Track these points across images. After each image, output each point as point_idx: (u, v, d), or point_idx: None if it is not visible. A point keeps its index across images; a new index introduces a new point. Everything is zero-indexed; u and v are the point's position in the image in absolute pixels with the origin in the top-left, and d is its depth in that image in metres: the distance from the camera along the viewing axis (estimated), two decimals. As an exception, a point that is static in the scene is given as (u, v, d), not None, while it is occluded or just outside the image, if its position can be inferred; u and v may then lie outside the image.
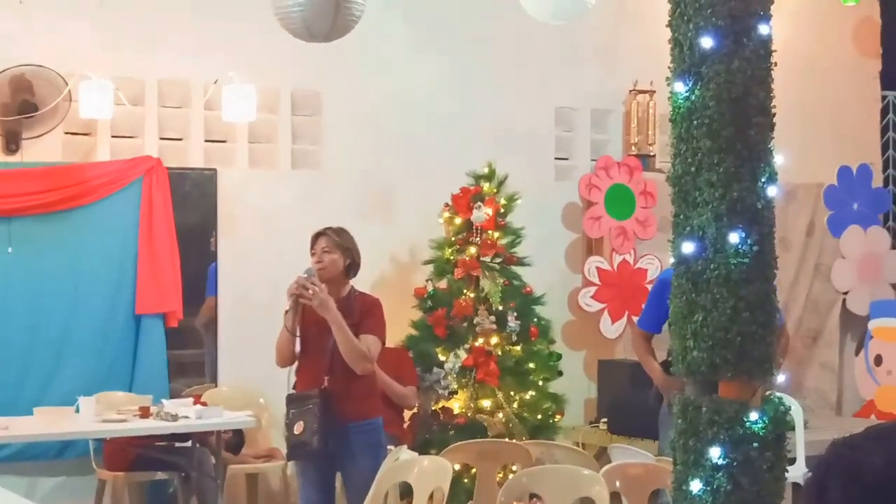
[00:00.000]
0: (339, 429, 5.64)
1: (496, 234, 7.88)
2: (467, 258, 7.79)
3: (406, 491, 5.72)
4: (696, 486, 3.20)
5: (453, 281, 7.83)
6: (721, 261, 3.18)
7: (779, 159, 3.27)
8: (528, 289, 7.97)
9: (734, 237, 3.16)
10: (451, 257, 7.85)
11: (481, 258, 7.80)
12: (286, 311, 5.77)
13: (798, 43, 9.26)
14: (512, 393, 7.74)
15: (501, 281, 7.81)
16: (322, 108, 8.24)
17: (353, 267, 5.94)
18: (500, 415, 7.62)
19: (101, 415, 6.55)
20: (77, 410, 6.63)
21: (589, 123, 9.17)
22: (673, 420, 3.35)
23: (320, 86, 8.21)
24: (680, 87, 3.31)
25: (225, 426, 6.84)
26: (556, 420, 7.93)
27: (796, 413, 7.66)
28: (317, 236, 5.94)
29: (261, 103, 7.80)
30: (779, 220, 9.29)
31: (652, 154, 9.18)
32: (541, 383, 7.88)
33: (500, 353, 7.70)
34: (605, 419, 8.38)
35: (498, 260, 7.87)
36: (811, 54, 9.64)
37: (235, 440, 7.45)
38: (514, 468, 5.86)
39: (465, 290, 7.79)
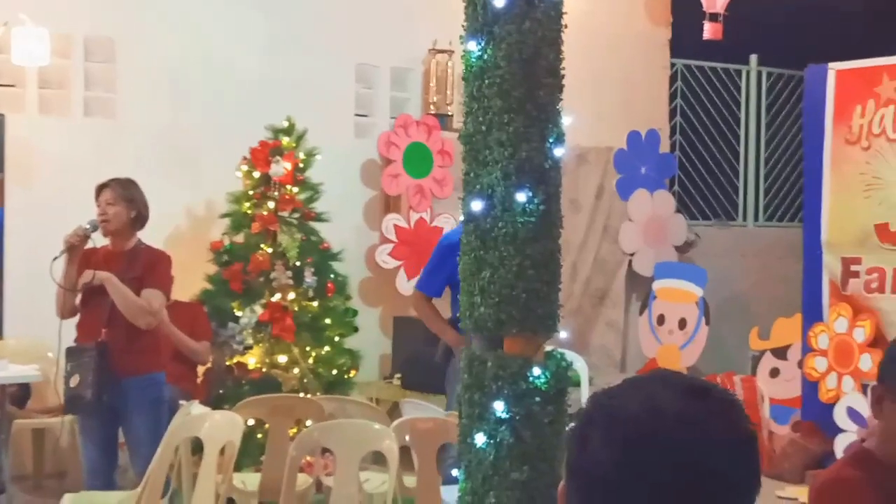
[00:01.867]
0: (118, 383, 5.57)
1: (294, 190, 7.84)
2: (265, 213, 7.73)
3: (197, 447, 5.67)
4: (480, 439, 3.28)
5: (250, 235, 7.77)
6: (508, 219, 3.25)
7: (566, 121, 3.34)
8: (325, 245, 7.97)
9: (521, 196, 3.23)
10: (249, 211, 7.78)
11: (279, 213, 7.76)
12: (55, 259, 5.64)
13: (591, 10, 9.48)
14: (308, 348, 7.73)
15: (299, 236, 7.79)
16: (116, 55, 8.04)
17: (139, 219, 5.85)
18: (296, 370, 7.61)
19: None
20: None
21: (389, 81, 9.20)
22: (461, 375, 3.41)
23: (115, 33, 8.01)
24: (472, 47, 3.35)
25: (10, 380, 6.65)
26: (350, 375, 7.97)
27: (581, 369, 7.90)
28: (101, 188, 5.83)
29: (53, 48, 7.56)
30: (570, 182, 9.57)
31: (450, 114, 9.27)
32: (336, 339, 7.90)
33: (296, 308, 7.68)
34: (399, 375, 8.47)
35: (296, 215, 7.84)
36: (604, 22, 9.88)
37: (21, 394, 7.25)
38: (307, 423, 5.87)
39: (262, 245, 7.73)
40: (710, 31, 6.22)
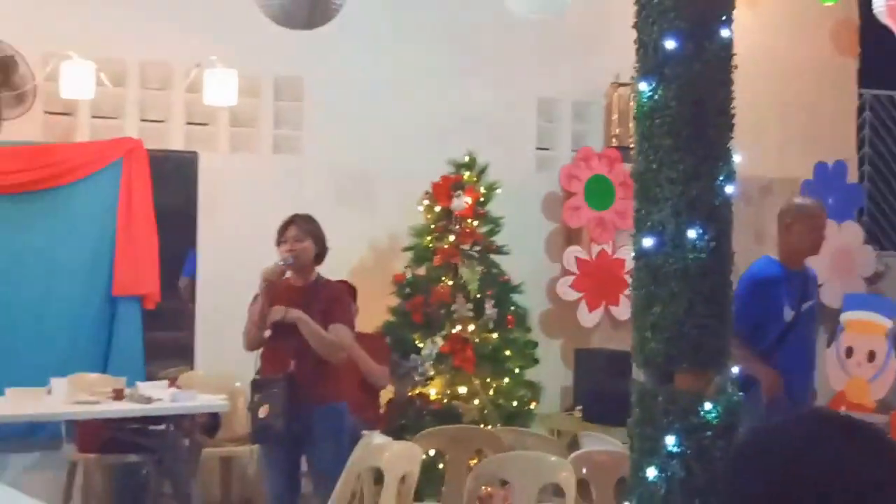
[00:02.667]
0: (304, 413, 5.73)
1: (475, 223, 7.94)
2: (446, 246, 7.85)
3: (378, 476, 5.80)
4: (651, 472, 3.29)
5: (432, 268, 7.90)
6: (679, 255, 3.26)
7: (737, 158, 3.34)
8: (505, 277, 8.03)
9: (692, 233, 3.24)
10: (431, 245, 7.91)
11: (460, 246, 7.86)
12: (255, 296, 5.84)
13: (777, 42, 9.35)
14: (488, 380, 7.80)
15: (480, 269, 7.88)
16: (304, 93, 8.30)
17: (322, 254, 6.03)
18: (476, 401, 7.69)
19: (73, 396, 6.58)
20: (49, 392, 6.66)
21: (570, 115, 9.23)
22: (632, 409, 3.42)
23: (302, 71, 8.27)
24: (644, 87, 3.39)
25: (198, 410, 6.90)
26: (531, 407, 8.00)
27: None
28: (286, 225, 6.01)
29: (243, 87, 7.84)
30: (754, 213, 9.41)
31: (632, 146, 9.20)
32: (517, 371, 7.95)
33: (476, 340, 7.77)
34: (580, 407, 8.46)
35: (476, 248, 7.93)
36: (789, 53, 9.71)
37: (211, 424, 7.51)
38: (486, 455, 5.94)
39: (443, 278, 7.85)
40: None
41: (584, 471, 5.14)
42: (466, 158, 8.04)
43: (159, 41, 7.79)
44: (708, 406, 3.24)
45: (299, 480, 6.00)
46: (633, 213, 3.43)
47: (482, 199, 8.02)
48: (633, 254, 3.44)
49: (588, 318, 8.95)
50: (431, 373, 7.72)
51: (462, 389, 7.71)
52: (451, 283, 7.84)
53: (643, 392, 3.36)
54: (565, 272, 8.94)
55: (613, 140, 9.26)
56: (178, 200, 8.05)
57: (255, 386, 5.89)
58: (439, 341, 7.75)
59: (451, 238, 7.88)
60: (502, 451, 5.75)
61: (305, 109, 8.31)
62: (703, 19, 3.29)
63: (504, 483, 5.73)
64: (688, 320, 3.24)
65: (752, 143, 9.71)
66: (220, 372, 7.75)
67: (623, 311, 9.07)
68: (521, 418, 7.84)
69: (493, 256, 8.03)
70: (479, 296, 7.84)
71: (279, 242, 6.01)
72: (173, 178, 8.02)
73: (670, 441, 3.25)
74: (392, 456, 5.30)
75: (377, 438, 5.77)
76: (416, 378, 7.72)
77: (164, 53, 7.82)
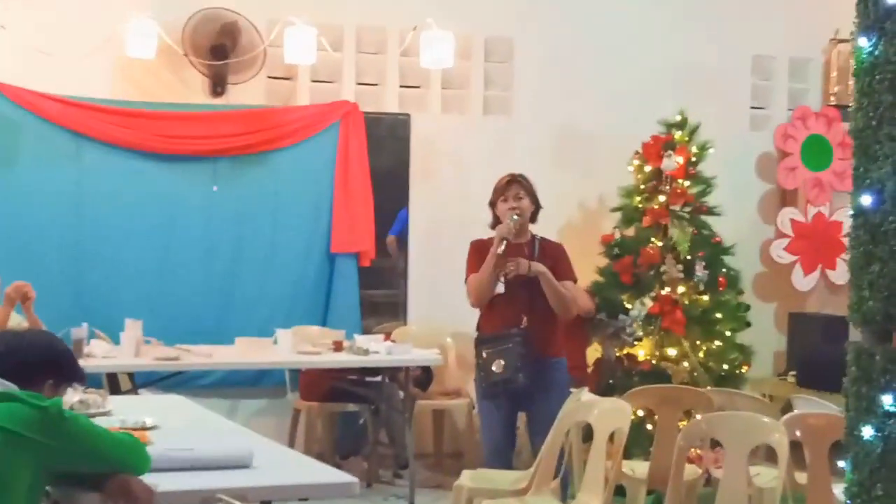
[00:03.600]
0: (537, 365, 5.83)
1: (686, 183, 7.87)
2: (656, 207, 7.81)
3: (587, 433, 5.85)
4: (867, 431, 3.24)
5: (641, 229, 7.87)
6: (900, 213, 3.19)
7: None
8: (717, 238, 7.95)
9: (915, 190, 3.17)
10: (640, 205, 7.89)
11: (670, 207, 7.81)
12: (495, 253, 5.91)
13: None
14: (698, 342, 7.74)
15: (690, 230, 7.81)
16: (514, 54, 8.36)
17: (536, 212, 6.10)
18: (685, 363, 7.64)
19: (297, 347, 6.85)
20: (275, 342, 6.95)
21: (787, 72, 9.03)
22: (847, 368, 3.38)
23: (512, 32, 8.33)
24: (863, 42, 3.31)
25: (413, 363, 7.08)
26: (742, 371, 7.91)
27: None
28: (507, 183, 6.08)
29: (454, 49, 7.94)
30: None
31: (851, 105, 8.94)
32: (728, 333, 7.86)
33: (686, 302, 7.71)
34: (793, 372, 8.33)
35: (687, 209, 7.86)
36: None
37: (424, 378, 7.71)
38: (696, 415, 5.93)
39: (652, 239, 7.81)
40: None
41: (797, 433, 5.07)
42: (678, 118, 7.96)
43: (375, 5, 7.98)
44: (927, 366, 3.18)
45: (515, 434, 6.11)
46: (852, 171, 3.35)
47: (693, 160, 7.94)
48: (850, 212, 3.36)
49: (803, 281, 8.79)
50: (640, 333, 7.71)
51: (671, 351, 7.67)
52: (660, 244, 7.79)
53: (860, 351, 3.31)
54: (780, 234, 8.79)
55: (832, 98, 9.04)
56: (391, 161, 8.25)
57: (484, 341, 6.00)
58: (648, 302, 7.73)
59: (661, 198, 7.83)
60: (712, 412, 5.72)
61: (515, 70, 8.38)
62: (928, -29, 3.19)
63: (714, 445, 5.71)
64: (908, 279, 3.18)
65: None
66: (431, 327, 7.93)
67: (840, 274, 8.86)
68: (731, 382, 7.75)
69: (705, 217, 7.95)
70: (689, 257, 7.77)
71: (495, 202, 6.10)
72: (387, 140, 8.22)
73: (888, 400, 3.20)
74: (602, 413, 5.33)
75: (585, 395, 5.82)
76: (625, 339, 7.73)
77: (378, 18, 8.00)
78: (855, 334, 3.43)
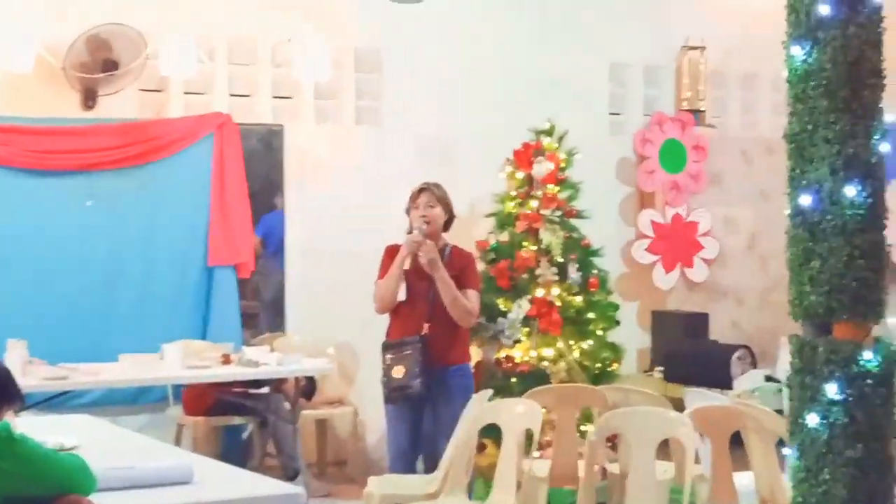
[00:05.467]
0: (437, 372, 5.92)
1: (556, 189, 8.08)
2: (529, 212, 8.00)
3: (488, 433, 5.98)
4: (812, 420, 3.45)
5: (515, 234, 8.05)
6: (837, 212, 3.41)
7: (889, 118, 3.48)
8: (586, 241, 8.18)
9: (850, 190, 3.39)
10: (513, 211, 8.06)
11: (542, 211, 8.01)
12: (396, 265, 6.01)
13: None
14: (572, 342, 7.96)
15: (562, 234, 8.02)
16: (383, 65, 8.45)
17: (450, 221, 6.21)
18: (562, 363, 7.84)
19: (185, 361, 6.79)
20: (161, 357, 6.87)
21: (642, 79, 9.35)
22: (791, 360, 3.58)
23: (381, 43, 8.42)
24: (797, 51, 3.52)
25: (304, 372, 7.12)
26: (613, 369, 8.15)
27: None
28: (419, 191, 6.18)
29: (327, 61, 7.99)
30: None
31: (702, 109, 9.37)
32: (600, 333, 8.10)
33: (561, 303, 7.92)
34: (660, 368, 8.63)
35: (558, 213, 8.08)
36: None
37: (308, 387, 7.72)
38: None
39: (525, 243, 8.00)
40: None
41: (699, 426, 5.29)
42: (547, 125, 8.17)
43: (246, 16, 7.96)
44: (868, 355, 3.40)
45: (421, 438, 6.19)
46: (788, 173, 3.56)
47: (562, 165, 8.15)
48: (787, 211, 3.57)
49: (664, 280, 9.12)
50: (519, 336, 7.88)
51: (548, 351, 7.87)
52: (534, 248, 7.98)
53: (802, 343, 3.52)
54: (641, 235, 9.09)
55: (684, 104, 9.38)
56: (265, 172, 8.25)
57: (387, 347, 6.08)
58: (525, 305, 7.91)
59: (533, 204, 8.03)
60: (607, 409, 5.92)
61: (385, 81, 8.46)
62: (856, -17, 3.42)
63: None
64: (848, 273, 3.40)
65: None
66: (313, 337, 7.96)
67: (698, 273, 9.24)
68: (604, 379, 7.96)
69: (574, 221, 8.17)
70: (562, 260, 7.98)
71: (410, 210, 6.19)
72: (261, 151, 8.22)
73: (832, 389, 3.41)
74: (512, 414, 5.47)
75: (488, 396, 5.94)
76: (504, 341, 7.88)
77: (250, 29, 7.99)
78: (796, 325, 3.62)
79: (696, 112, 9.34)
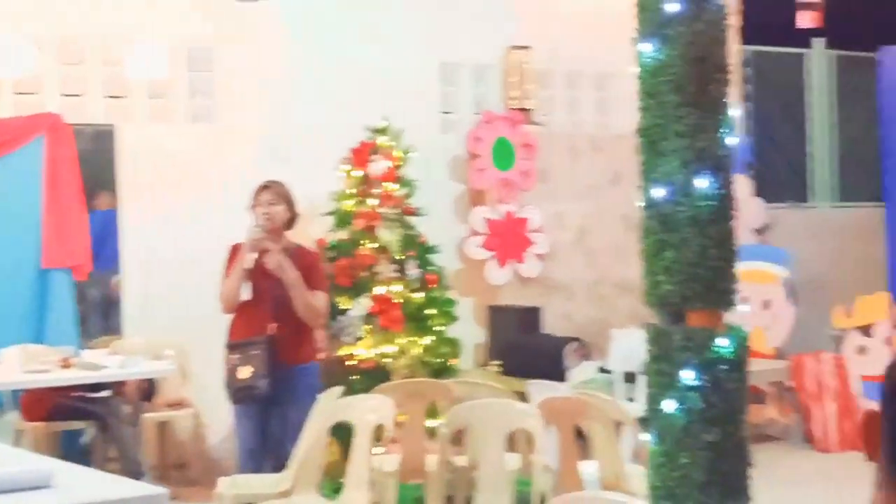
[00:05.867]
0: (284, 372, 5.91)
1: (393, 186, 8.16)
2: (367, 210, 8.05)
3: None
4: (669, 405, 3.59)
5: (354, 232, 8.09)
6: (689, 203, 3.56)
7: (734, 112, 3.65)
8: (423, 238, 8.28)
9: (701, 182, 3.55)
10: (352, 209, 8.10)
11: (380, 209, 8.07)
12: (237, 265, 5.97)
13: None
14: (413, 338, 8.05)
15: (400, 231, 8.10)
16: (214, 63, 8.38)
17: (294, 219, 6.19)
18: (403, 359, 7.92)
19: (24, 366, 6.62)
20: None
21: (470, 78, 9.50)
22: (646, 349, 3.71)
23: (213, 42, 8.35)
24: (647, 48, 3.65)
25: (146, 375, 7.01)
26: (453, 363, 8.27)
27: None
28: (261, 189, 6.15)
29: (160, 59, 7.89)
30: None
31: (530, 108, 9.56)
32: (439, 328, 8.22)
33: (401, 300, 7.99)
34: (497, 362, 8.77)
35: (395, 211, 8.15)
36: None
37: (148, 390, 7.61)
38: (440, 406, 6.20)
39: (363, 241, 8.05)
40: (807, 19, 6.50)
41: (548, 415, 5.42)
42: (383, 123, 8.24)
43: (77, 15, 7.80)
44: (721, 341, 3.56)
45: (270, 437, 6.16)
46: (641, 167, 3.69)
47: (399, 163, 8.23)
48: (641, 203, 3.70)
49: (497, 275, 9.27)
50: (360, 333, 7.92)
51: (389, 348, 7.94)
52: (373, 245, 8.04)
53: (658, 332, 3.66)
54: (474, 232, 9.22)
55: (513, 102, 9.55)
56: (99, 172, 8.10)
57: (232, 347, 6.03)
58: (365, 302, 7.96)
59: (372, 202, 8.08)
60: (454, 403, 6.01)
61: (219, 79, 8.39)
62: (702, -18, 3.57)
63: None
64: (701, 263, 3.55)
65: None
66: (150, 339, 7.82)
67: (529, 268, 9.43)
68: (445, 374, 8.10)
69: (410, 218, 8.26)
70: (400, 257, 8.07)
71: (252, 208, 6.15)
72: (94, 151, 8.06)
73: (688, 375, 3.56)
74: (364, 409, 5.51)
75: (338, 393, 5.97)
76: (345, 338, 7.92)
77: (81, 28, 7.83)
78: (651, 314, 3.75)
79: (525, 111, 9.52)
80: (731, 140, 3.62)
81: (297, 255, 6.18)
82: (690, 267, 3.55)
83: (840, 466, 8.45)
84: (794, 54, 11.15)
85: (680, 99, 3.57)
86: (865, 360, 9.38)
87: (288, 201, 6.19)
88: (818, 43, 11.10)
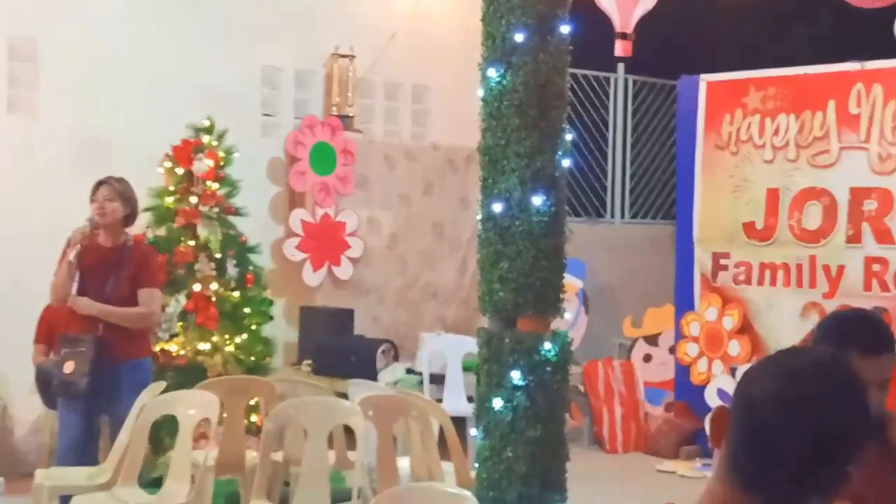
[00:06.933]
0: (111, 368, 5.97)
1: (215, 186, 8.27)
2: (188, 208, 8.14)
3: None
4: (497, 403, 3.88)
5: (173, 229, 8.16)
6: (525, 218, 3.86)
7: (568, 136, 3.96)
8: (243, 238, 8.41)
9: (537, 199, 3.85)
10: (172, 206, 8.17)
11: (201, 208, 8.17)
12: (67, 259, 5.99)
13: (468, 23, 10.13)
14: (228, 336, 8.17)
15: (220, 230, 8.21)
16: (38, 54, 8.32)
17: (132, 216, 6.26)
18: (218, 357, 8.04)
19: None
20: None
21: (293, 83, 9.67)
22: (478, 351, 3.99)
23: (37, 32, 8.29)
24: (492, 73, 3.94)
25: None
26: (266, 362, 8.43)
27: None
28: (98, 185, 6.19)
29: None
30: (460, 181, 10.04)
31: (351, 115, 9.79)
32: (254, 327, 8.36)
33: (218, 298, 8.11)
34: (308, 361, 8.95)
35: (216, 210, 8.26)
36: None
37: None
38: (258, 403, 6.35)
39: (183, 238, 8.13)
40: (620, 48, 6.91)
41: (370, 413, 5.65)
42: (207, 122, 8.33)
43: None
44: (547, 345, 3.86)
45: (97, 433, 6.21)
46: (481, 182, 3.96)
47: (221, 163, 8.35)
48: (479, 216, 3.97)
49: (312, 277, 9.46)
50: (176, 330, 8.00)
51: (205, 345, 8.04)
52: (192, 243, 8.13)
53: (490, 335, 3.94)
54: (291, 234, 9.39)
55: (333, 109, 9.76)
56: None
57: (64, 341, 6.05)
58: (183, 299, 8.05)
59: (193, 200, 8.17)
60: (276, 400, 6.19)
61: (41, 71, 8.33)
62: (545, 16, 3.88)
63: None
64: (533, 273, 3.85)
65: (461, 116, 10.51)
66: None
67: (344, 270, 9.64)
68: (258, 372, 8.23)
69: (231, 218, 8.38)
70: (220, 256, 8.18)
71: (91, 202, 6.19)
72: None
73: (516, 376, 3.85)
74: (188, 404, 5.63)
75: (161, 388, 6.06)
76: (161, 335, 7.97)
77: None
78: (484, 319, 4.02)
79: (345, 117, 9.74)
80: (566, 162, 3.93)
81: (134, 251, 6.24)
82: (523, 277, 3.85)
83: (626, 466, 8.97)
84: (601, 78, 11.69)
85: (521, 122, 3.86)
86: (651, 368, 9.96)
87: (125, 198, 6.25)
88: (620, 68, 11.66)
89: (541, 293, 3.87)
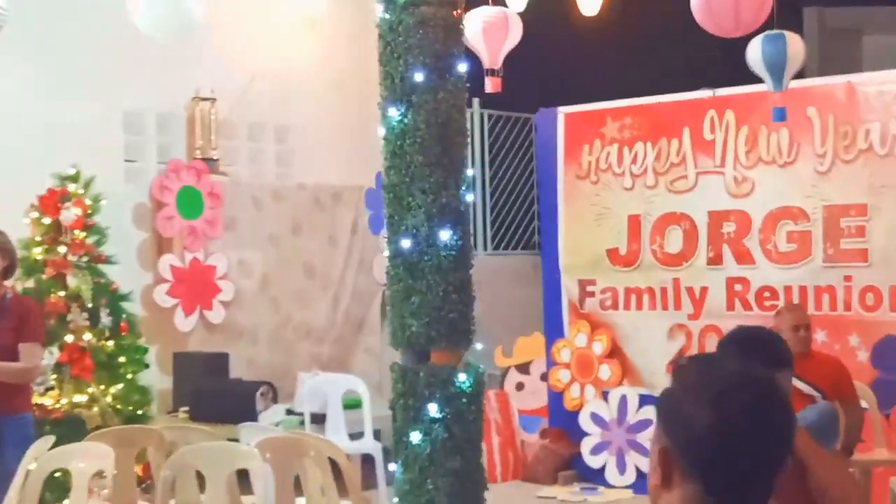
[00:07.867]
0: None
1: (83, 234, 8.15)
2: (57, 258, 8.01)
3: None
4: (416, 437, 3.94)
5: (42, 280, 8.01)
6: (433, 253, 3.94)
7: (470, 172, 4.07)
8: (115, 286, 8.30)
9: (444, 234, 3.94)
10: (40, 257, 8.03)
11: (70, 257, 8.04)
12: None
13: (338, 61, 10.22)
14: (104, 387, 8.04)
15: (91, 279, 8.10)
16: None
17: (10, 268, 6.13)
18: (96, 408, 7.90)
19: None
20: None
21: (155, 127, 9.60)
22: (393, 386, 4.05)
23: None
24: (393, 112, 4.02)
25: None
26: (144, 411, 8.31)
27: (364, 392, 8.56)
28: None
29: None
30: (327, 219, 10.15)
31: (216, 158, 9.76)
32: (130, 376, 8.25)
33: (92, 348, 7.98)
34: (184, 408, 8.86)
35: (86, 259, 8.14)
36: (350, 70, 10.59)
37: None
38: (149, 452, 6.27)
39: (53, 289, 7.99)
40: (490, 85, 7.06)
41: (267, 455, 5.65)
42: (72, 171, 8.22)
43: None
44: (462, 377, 3.95)
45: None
46: (387, 220, 4.04)
47: (89, 211, 8.23)
48: (387, 253, 4.04)
49: (184, 322, 9.37)
50: (51, 383, 7.85)
51: (81, 397, 7.90)
52: (63, 293, 8.00)
53: (404, 370, 4.01)
54: (160, 280, 9.30)
55: (197, 152, 9.72)
56: None
57: None
58: (56, 352, 7.90)
59: (62, 249, 8.04)
60: (164, 449, 6.13)
61: None
62: (442, 55, 3.98)
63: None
64: (444, 306, 3.93)
65: (325, 155, 10.58)
66: None
67: (216, 314, 9.59)
68: (137, 422, 8.11)
69: (101, 266, 8.27)
70: (92, 305, 8.06)
71: None
72: None
73: (433, 409, 3.92)
74: (82, 457, 5.54)
75: (50, 443, 5.95)
76: (35, 389, 7.80)
77: None
78: (396, 354, 4.09)
79: (210, 160, 9.71)
80: (469, 196, 4.03)
81: (12, 304, 6.12)
82: (435, 311, 3.93)
83: (507, 494, 9.08)
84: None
85: (425, 159, 3.96)
86: (524, 396, 10.13)
87: (3, 250, 6.13)
88: (475, 103, 11.86)
89: (453, 326, 3.95)
